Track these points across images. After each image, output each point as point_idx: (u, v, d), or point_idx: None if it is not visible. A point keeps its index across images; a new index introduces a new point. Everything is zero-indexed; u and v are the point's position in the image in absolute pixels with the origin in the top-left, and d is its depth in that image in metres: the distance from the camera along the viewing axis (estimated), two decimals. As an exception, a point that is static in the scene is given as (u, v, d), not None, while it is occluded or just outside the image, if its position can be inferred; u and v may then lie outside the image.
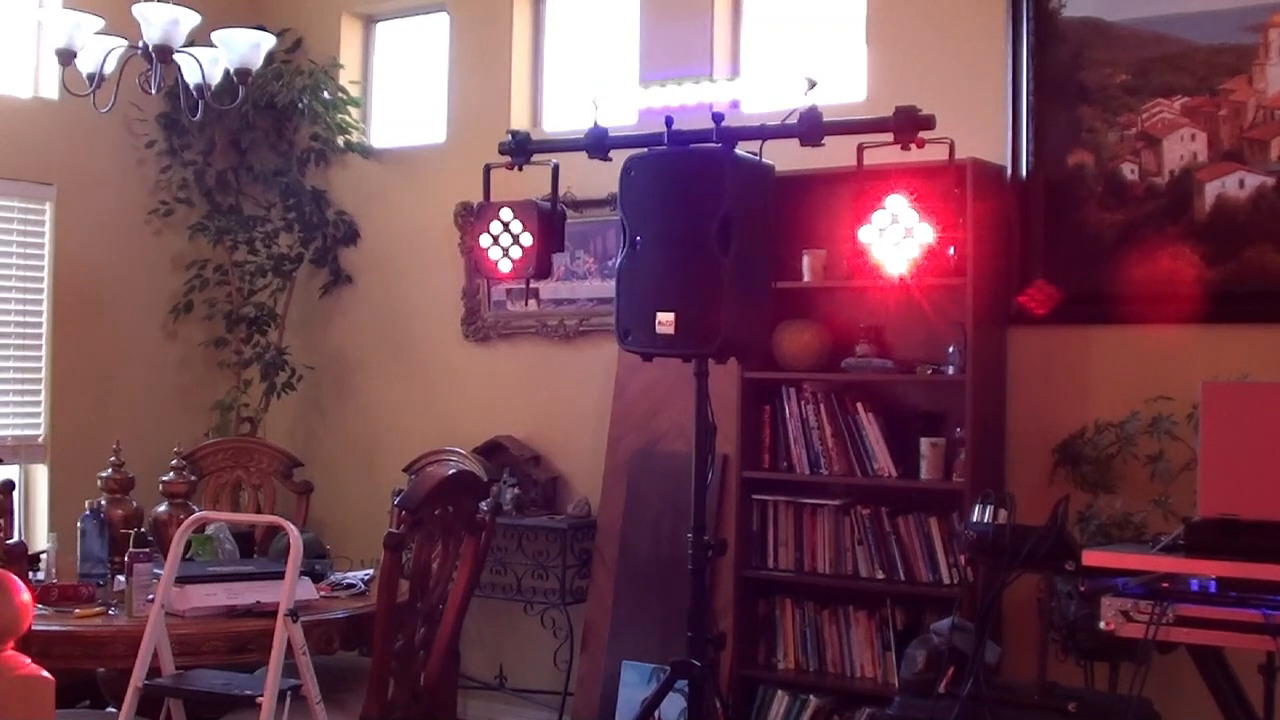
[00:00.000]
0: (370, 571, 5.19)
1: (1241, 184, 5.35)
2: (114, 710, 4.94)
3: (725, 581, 5.94)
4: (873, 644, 5.76)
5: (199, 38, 5.51)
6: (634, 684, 6.14)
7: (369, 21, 7.98)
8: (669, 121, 4.45)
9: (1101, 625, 4.04)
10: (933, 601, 5.59)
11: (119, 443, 5.58)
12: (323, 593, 5.01)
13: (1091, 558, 4.14)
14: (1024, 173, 5.74)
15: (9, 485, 5.92)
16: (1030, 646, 5.24)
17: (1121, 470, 5.39)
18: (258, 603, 4.59)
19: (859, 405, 5.78)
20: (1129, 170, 5.56)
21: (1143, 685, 3.97)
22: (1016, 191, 5.74)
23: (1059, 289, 5.64)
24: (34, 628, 4.27)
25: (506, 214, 4.70)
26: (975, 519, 4.32)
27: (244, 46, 5.50)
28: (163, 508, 5.49)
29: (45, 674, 4.08)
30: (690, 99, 4.47)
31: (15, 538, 5.70)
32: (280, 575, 4.30)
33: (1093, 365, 5.62)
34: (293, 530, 4.32)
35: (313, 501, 6.64)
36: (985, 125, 5.73)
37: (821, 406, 5.84)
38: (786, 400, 5.92)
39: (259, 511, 6.50)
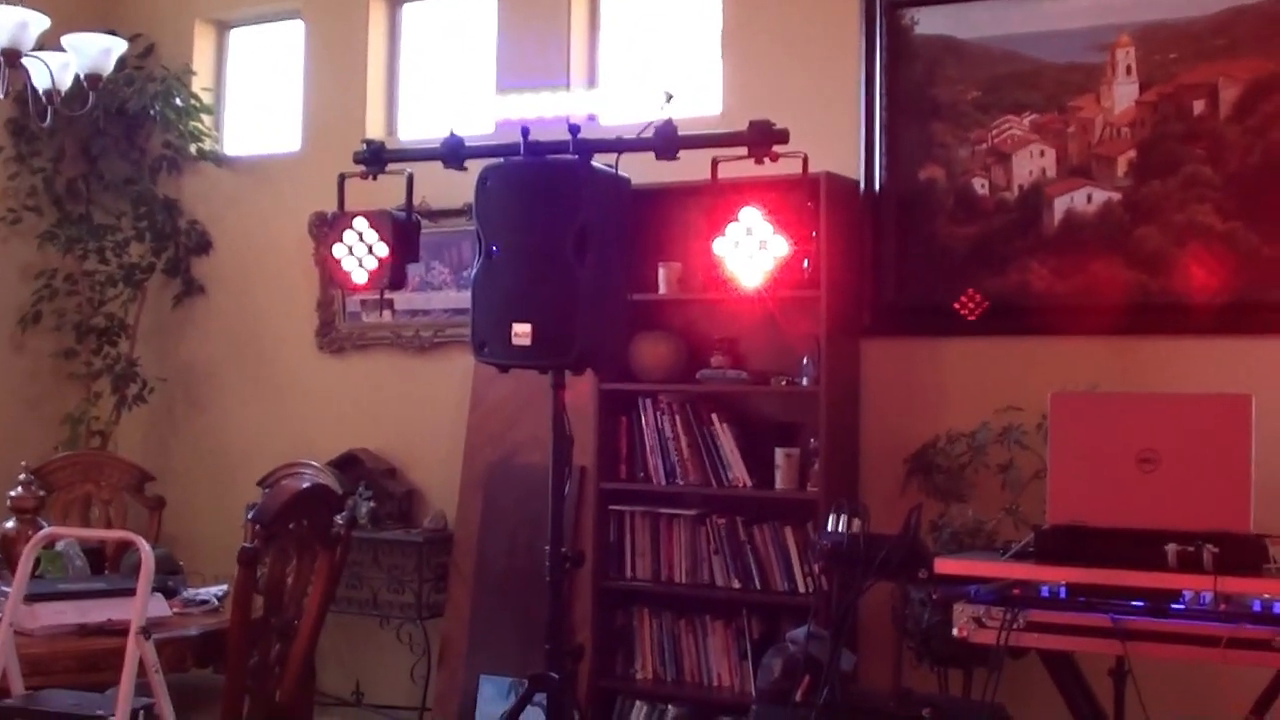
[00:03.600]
0: (224, 587, 5.11)
1: (1089, 199, 5.46)
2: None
3: (583, 593, 5.94)
4: (729, 653, 5.78)
5: (48, 41, 5.39)
6: (492, 698, 6.11)
7: (222, 28, 7.89)
8: (525, 132, 4.43)
9: (954, 632, 4.10)
10: (788, 610, 5.62)
11: (-36, 458, 5.46)
12: (175, 609, 4.92)
13: (944, 565, 4.20)
14: (877, 187, 5.81)
15: None
16: (885, 654, 5.29)
17: (973, 479, 5.46)
18: (109, 620, 4.50)
19: (714, 416, 5.81)
20: (979, 185, 5.65)
21: (995, 691, 4.03)
22: (869, 205, 5.82)
23: (911, 300, 5.73)
24: (-126, 648, 4.16)
25: (361, 224, 4.65)
26: (829, 528, 4.36)
27: (95, 51, 5.40)
28: (10, 524, 5.36)
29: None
30: (547, 110, 4.46)
31: None
32: (132, 592, 4.22)
33: (944, 376, 5.70)
34: (144, 545, 4.23)
35: (165, 516, 6.52)
36: (839, 140, 5.80)
37: (677, 417, 5.87)
38: (643, 411, 5.94)
39: (109, 527, 6.38)
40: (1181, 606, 3.89)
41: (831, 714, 4.19)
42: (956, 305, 5.63)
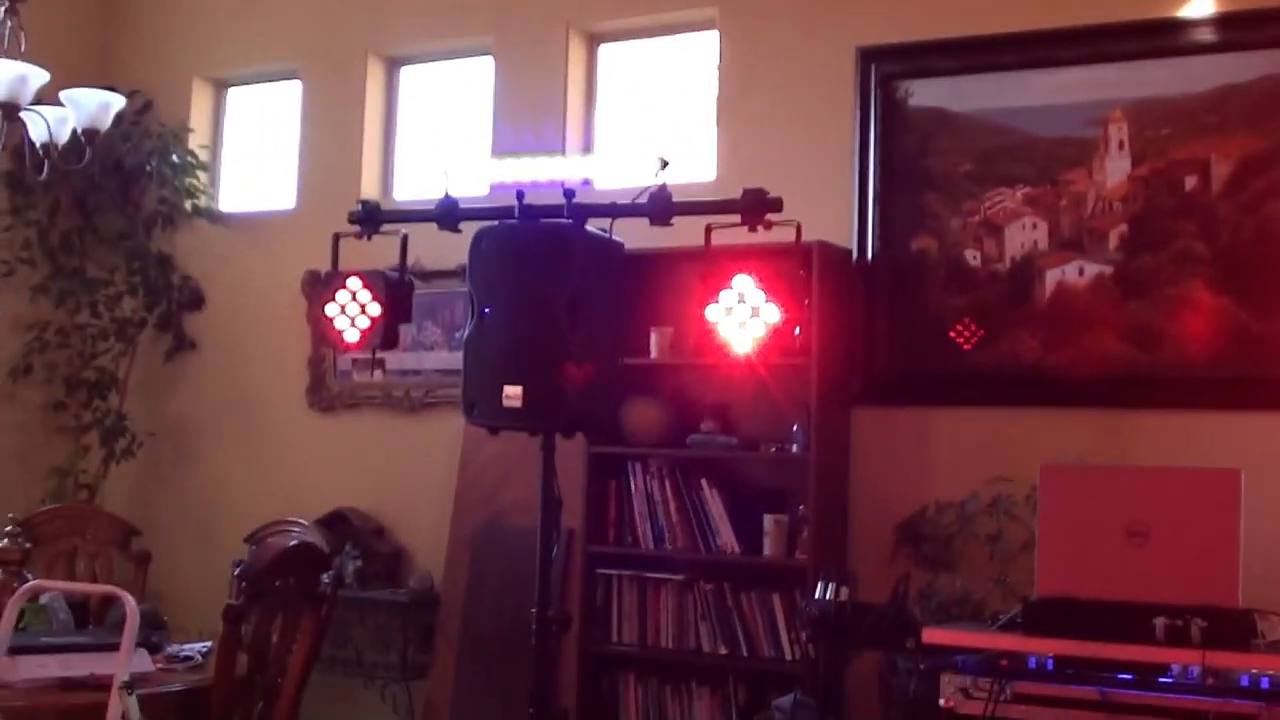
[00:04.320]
0: (208, 644, 5.09)
1: (1081, 272, 5.48)
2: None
3: (569, 657, 5.91)
4: (715, 720, 5.77)
5: (47, 96, 5.41)
6: (474, 760, 6.08)
7: (220, 86, 7.93)
8: (520, 195, 4.44)
9: (941, 702, 4.09)
10: (775, 678, 5.60)
11: (-49, 509, 5.43)
12: (159, 665, 4.89)
13: (932, 635, 4.20)
14: (869, 256, 5.83)
15: None
16: (871, 724, 5.29)
17: (962, 549, 5.46)
18: (92, 675, 4.47)
19: (704, 481, 5.82)
20: (971, 256, 5.68)
21: (980, 762, 4.02)
22: (861, 274, 5.84)
23: (902, 369, 5.74)
24: None
25: (354, 283, 4.65)
26: (817, 596, 4.35)
27: (93, 106, 5.42)
28: (-5, 576, 5.35)
29: None
30: (542, 174, 4.47)
31: None
32: (115, 646, 4.20)
33: (934, 446, 5.70)
34: (129, 600, 4.22)
35: (151, 571, 6.49)
36: (832, 209, 5.83)
37: (667, 482, 5.87)
38: (632, 475, 5.94)
39: (95, 581, 6.35)
40: (1169, 680, 3.89)
41: (816, 783, 4.18)
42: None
